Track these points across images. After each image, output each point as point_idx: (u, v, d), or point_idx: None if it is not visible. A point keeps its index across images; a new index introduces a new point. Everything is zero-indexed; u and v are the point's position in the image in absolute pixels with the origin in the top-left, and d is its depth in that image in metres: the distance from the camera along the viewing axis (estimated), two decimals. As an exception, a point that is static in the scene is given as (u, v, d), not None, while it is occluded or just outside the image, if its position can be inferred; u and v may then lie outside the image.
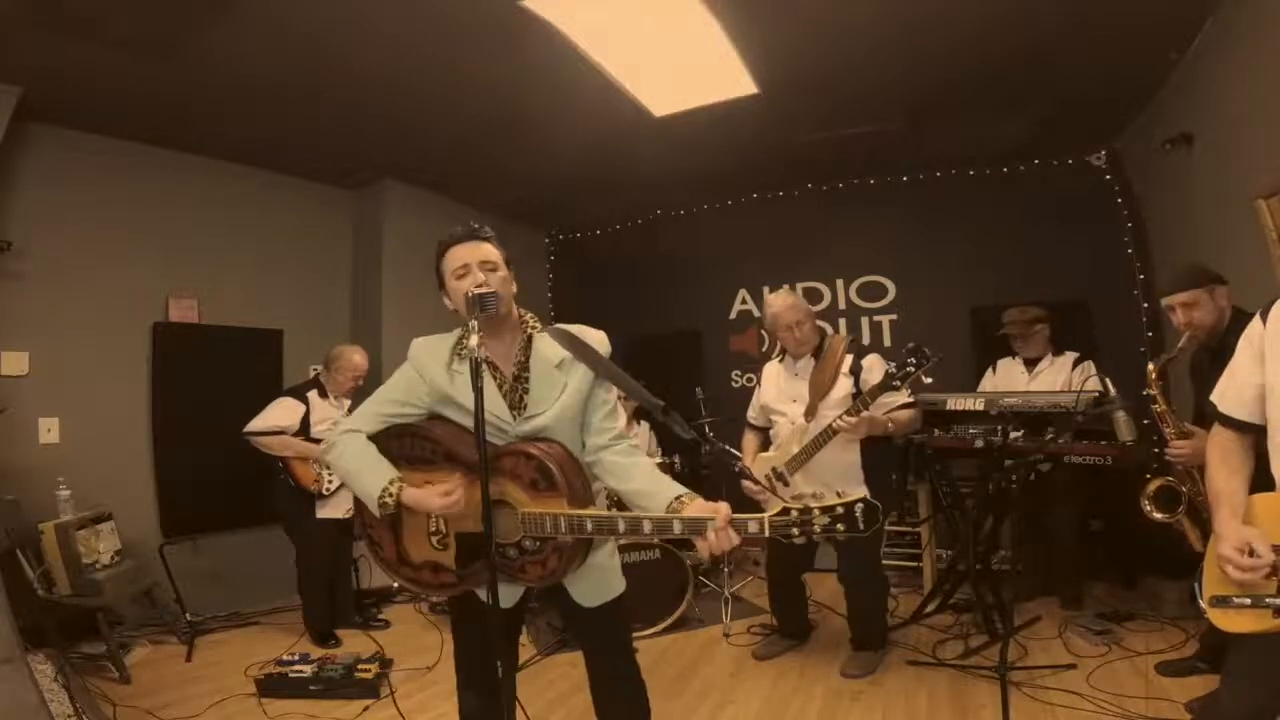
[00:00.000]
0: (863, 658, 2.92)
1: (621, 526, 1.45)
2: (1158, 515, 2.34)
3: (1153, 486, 2.37)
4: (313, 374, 4.07)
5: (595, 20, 2.90)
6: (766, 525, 1.34)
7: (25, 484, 3.20)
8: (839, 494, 1.33)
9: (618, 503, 3.71)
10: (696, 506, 1.43)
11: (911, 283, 4.96)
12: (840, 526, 1.31)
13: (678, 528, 1.41)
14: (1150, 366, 2.42)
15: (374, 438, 1.61)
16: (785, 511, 1.34)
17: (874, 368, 2.80)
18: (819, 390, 2.84)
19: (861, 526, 1.30)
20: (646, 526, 1.43)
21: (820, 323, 3.09)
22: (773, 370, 3.11)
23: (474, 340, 1.34)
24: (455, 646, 1.73)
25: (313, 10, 2.75)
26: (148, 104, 3.44)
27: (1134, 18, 2.95)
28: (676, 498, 1.47)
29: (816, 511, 1.32)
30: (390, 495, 1.53)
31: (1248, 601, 1.29)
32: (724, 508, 1.37)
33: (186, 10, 2.69)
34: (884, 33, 3.07)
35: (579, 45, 3.04)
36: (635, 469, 1.58)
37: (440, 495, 1.51)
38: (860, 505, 1.31)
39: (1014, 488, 3.23)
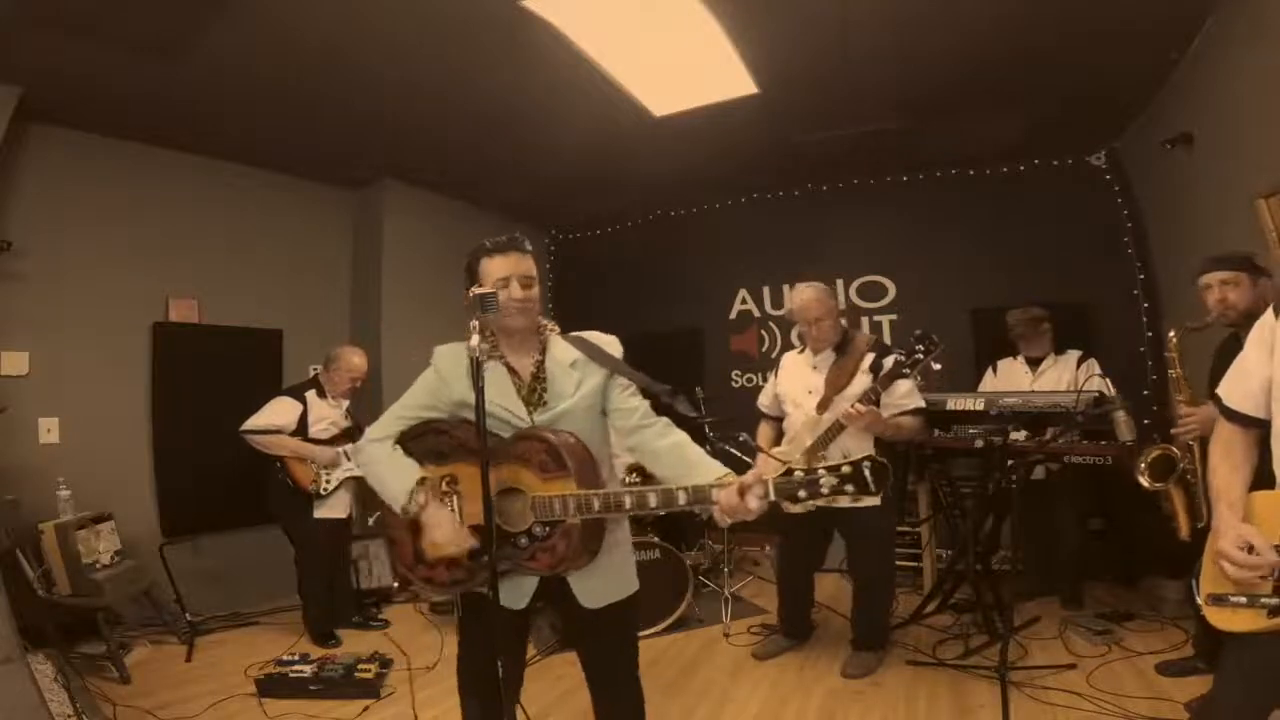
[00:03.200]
0: (863, 658, 2.92)
1: (629, 503, 1.46)
2: (1147, 483, 2.36)
3: (1152, 454, 2.39)
4: (312, 373, 4.07)
5: (595, 20, 2.90)
6: (771, 487, 1.31)
7: (25, 484, 3.20)
8: (844, 454, 1.28)
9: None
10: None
11: (911, 283, 4.96)
12: (850, 488, 1.25)
13: (683, 499, 1.41)
14: (1171, 333, 2.44)
15: (401, 437, 1.67)
16: (789, 473, 1.29)
17: None
18: (836, 385, 2.85)
19: (872, 488, 1.23)
20: (653, 500, 1.44)
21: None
22: (792, 360, 3.12)
23: (475, 340, 1.37)
24: (460, 646, 1.74)
25: (313, 10, 2.75)
26: (148, 104, 3.44)
27: (1134, 18, 2.95)
28: (716, 480, 1.45)
29: (823, 472, 1.26)
30: (416, 504, 1.59)
31: (1244, 600, 1.29)
32: (754, 474, 1.37)
33: (186, 10, 2.69)
34: (884, 33, 3.07)
35: (579, 45, 3.04)
36: (673, 453, 1.59)
37: (453, 528, 1.56)
38: (868, 464, 1.24)
39: (1014, 488, 3.23)
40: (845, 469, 1.25)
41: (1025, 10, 2.93)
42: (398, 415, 1.68)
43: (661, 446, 1.61)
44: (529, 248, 1.65)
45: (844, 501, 1.31)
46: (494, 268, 1.60)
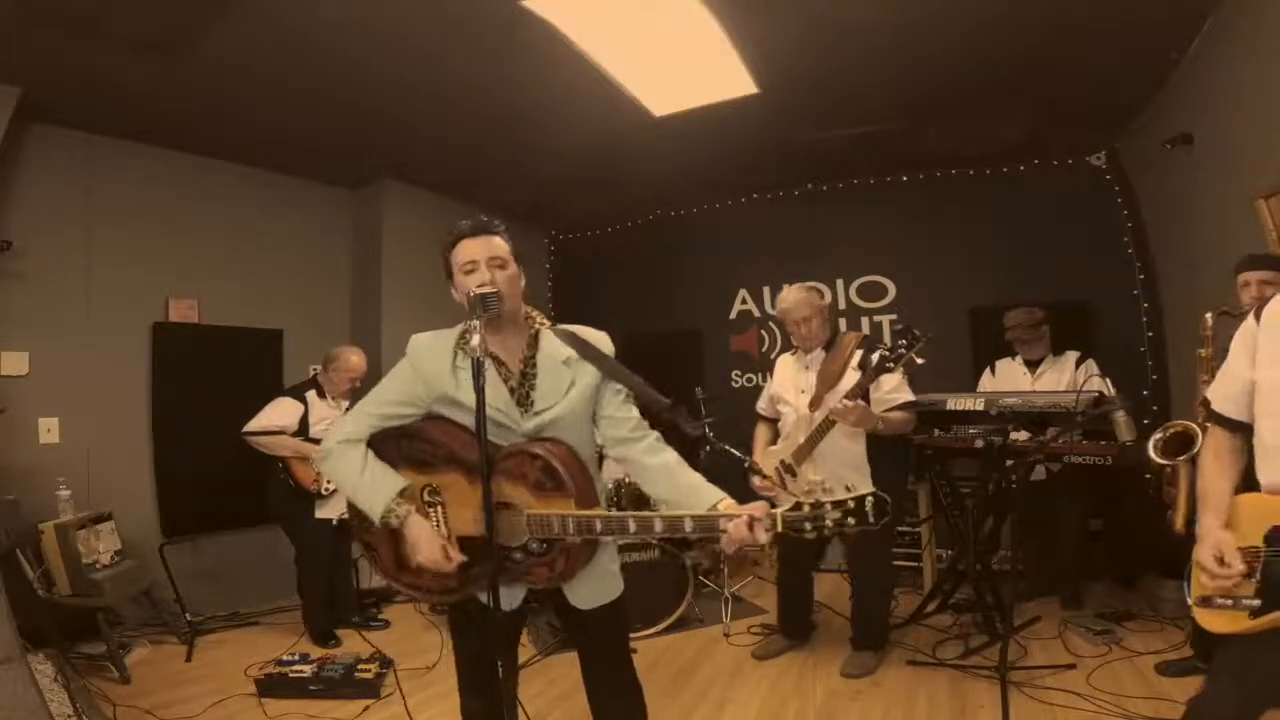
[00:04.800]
0: (863, 658, 2.93)
1: (632, 526, 1.42)
2: (1159, 459, 2.35)
3: (1170, 430, 2.37)
4: (312, 373, 4.07)
5: (595, 20, 2.90)
6: (780, 521, 1.34)
7: (25, 484, 3.20)
8: (848, 488, 1.38)
9: (618, 502, 3.72)
10: (731, 510, 1.41)
11: (911, 283, 4.96)
12: (851, 521, 1.32)
13: (689, 526, 1.40)
14: (1208, 314, 2.44)
15: (371, 441, 1.57)
16: (798, 507, 1.35)
17: None
18: (826, 382, 2.87)
19: (872, 520, 1.32)
20: (658, 525, 1.42)
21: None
22: (784, 361, 3.16)
23: (475, 340, 1.33)
24: (455, 651, 1.70)
25: (312, 10, 2.75)
26: (148, 104, 3.44)
27: (1134, 18, 2.95)
28: (711, 507, 1.43)
29: (828, 506, 1.34)
30: (397, 518, 1.50)
31: (1229, 602, 1.33)
32: (761, 506, 1.37)
33: (186, 10, 2.69)
34: (884, 32, 3.07)
35: (579, 45, 3.04)
36: (664, 474, 1.55)
37: (439, 550, 1.48)
38: (870, 499, 1.32)
39: (1014, 488, 3.23)
40: (850, 503, 1.33)
41: (1025, 10, 2.92)
42: (369, 413, 1.57)
43: (653, 464, 1.56)
44: (498, 228, 1.55)
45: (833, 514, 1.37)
46: (460, 253, 1.52)
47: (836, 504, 1.34)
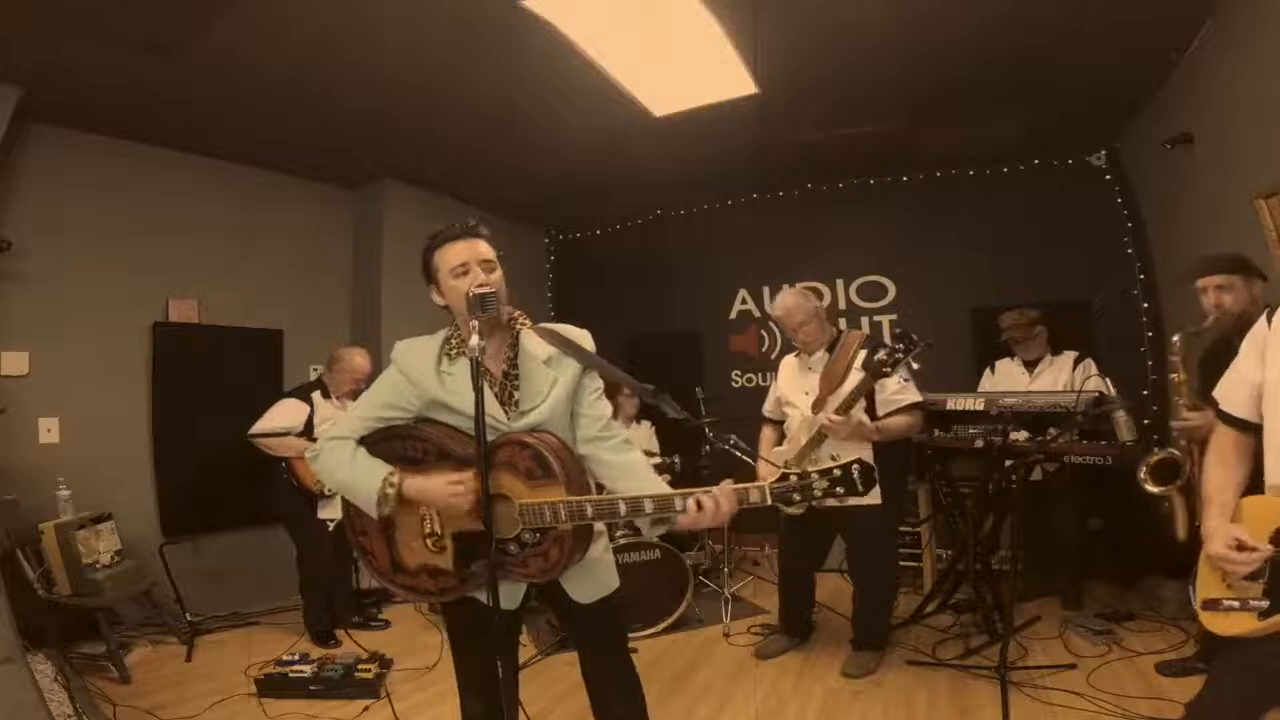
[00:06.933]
0: (863, 657, 2.93)
1: (623, 509, 1.44)
2: (1152, 487, 2.37)
3: (1154, 458, 2.39)
4: (314, 374, 4.07)
5: (595, 20, 2.90)
6: (767, 493, 1.34)
7: (25, 484, 3.20)
8: (833, 457, 1.35)
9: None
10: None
11: (911, 283, 4.97)
12: (840, 490, 1.31)
13: (678, 504, 1.42)
14: (1175, 337, 2.45)
15: (362, 442, 1.58)
16: (784, 477, 1.34)
17: None
18: (829, 384, 2.87)
19: (860, 488, 1.31)
20: (648, 506, 1.43)
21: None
22: (788, 364, 3.17)
23: (475, 340, 1.34)
24: (454, 654, 1.69)
25: (313, 10, 2.75)
26: (148, 104, 3.44)
27: (1134, 18, 2.95)
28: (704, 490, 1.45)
29: (815, 476, 1.33)
30: (391, 486, 1.48)
31: (1236, 604, 1.32)
32: (726, 483, 1.39)
33: (186, 10, 2.69)
34: (884, 32, 3.07)
35: (579, 45, 3.04)
36: (629, 470, 1.57)
37: (447, 484, 1.46)
38: (857, 467, 1.31)
39: (1014, 488, 3.23)
40: (836, 472, 1.32)
41: (1025, 10, 2.93)
42: (361, 416, 1.59)
43: (618, 460, 1.58)
44: (484, 231, 1.57)
45: (831, 502, 1.37)
46: (449, 256, 1.54)
47: (823, 473, 1.32)
